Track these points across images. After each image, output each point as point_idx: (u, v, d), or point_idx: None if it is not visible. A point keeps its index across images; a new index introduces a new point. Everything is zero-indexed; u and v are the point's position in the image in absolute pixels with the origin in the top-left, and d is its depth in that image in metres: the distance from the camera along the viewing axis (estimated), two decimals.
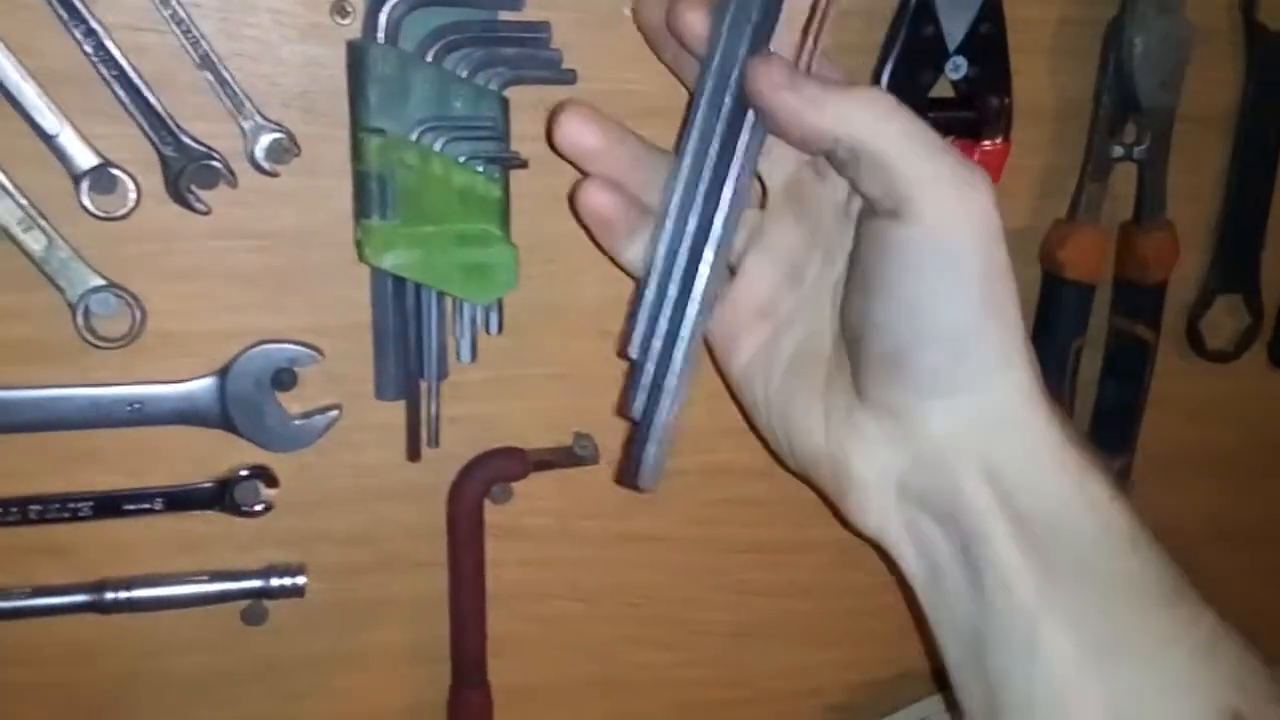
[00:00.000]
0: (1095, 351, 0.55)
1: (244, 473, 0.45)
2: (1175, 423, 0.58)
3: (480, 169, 0.42)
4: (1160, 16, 0.48)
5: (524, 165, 0.43)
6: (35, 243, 0.40)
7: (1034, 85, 0.50)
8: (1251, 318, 0.57)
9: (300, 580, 0.47)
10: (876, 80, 0.47)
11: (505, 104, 0.42)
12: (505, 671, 0.50)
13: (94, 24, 0.39)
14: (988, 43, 0.47)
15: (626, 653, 0.53)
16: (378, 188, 0.41)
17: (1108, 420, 0.56)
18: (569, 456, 0.49)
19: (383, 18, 0.40)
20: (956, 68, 0.47)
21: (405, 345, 0.44)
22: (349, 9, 0.41)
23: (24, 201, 0.40)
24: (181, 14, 0.39)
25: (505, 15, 0.42)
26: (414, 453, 0.46)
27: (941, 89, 0.48)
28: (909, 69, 0.46)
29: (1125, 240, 0.53)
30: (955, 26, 0.46)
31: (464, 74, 0.42)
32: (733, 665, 0.55)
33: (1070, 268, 0.51)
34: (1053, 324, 0.52)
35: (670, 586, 0.52)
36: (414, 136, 0.41)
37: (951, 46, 0.46)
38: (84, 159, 0.40)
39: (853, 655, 0.56)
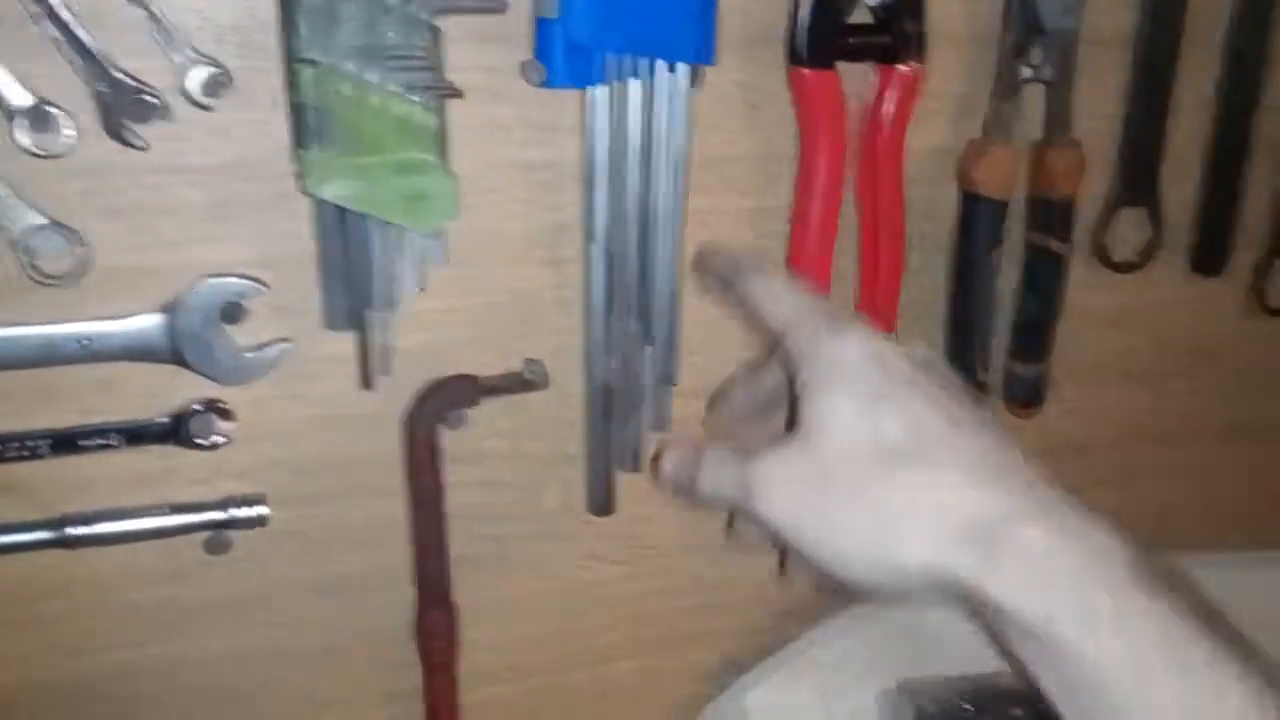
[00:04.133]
0: (1013, 268, 0.55)
1: (197, 407, 0.44)
2: (1090, 332, 0.59)
3: (416, 98, 0.41)
4: None
5: (459, 94, 0.42)
6: None
7: (948, 12, 0.50)
8: (1154, 229, 0.57)
9: (262, 510, 0.46)
10: (796, 8, 0.46)
11: (436, 32, 0.41)
12: (468, 590, 0.49)
13: None
14: None
15: (581, 569, 0.53)
16: (315, 119, 0.40)
17: (1026, 331, 0.56)
18: (520, 382, 0.48)
19: None
20: None
21: (352, 276, 0.43)
22: None
23: None
24: None
25: None
26: (366, 381, 0.45)
27: (861, 16, 0.47)
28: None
29: (1036, 158, 0.53)
30: None
31: (397, 3, 0.40)
32: (683, 576, 0.55)
33: (984, 185, 0.51)
34: (971, 238, 0.52)
35: (620, 504, 0.52)
36: (347, 67, 0.40)
37: None
38: (18, 98, 0.38)
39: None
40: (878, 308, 0.52)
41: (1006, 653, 0.35)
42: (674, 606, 0.55)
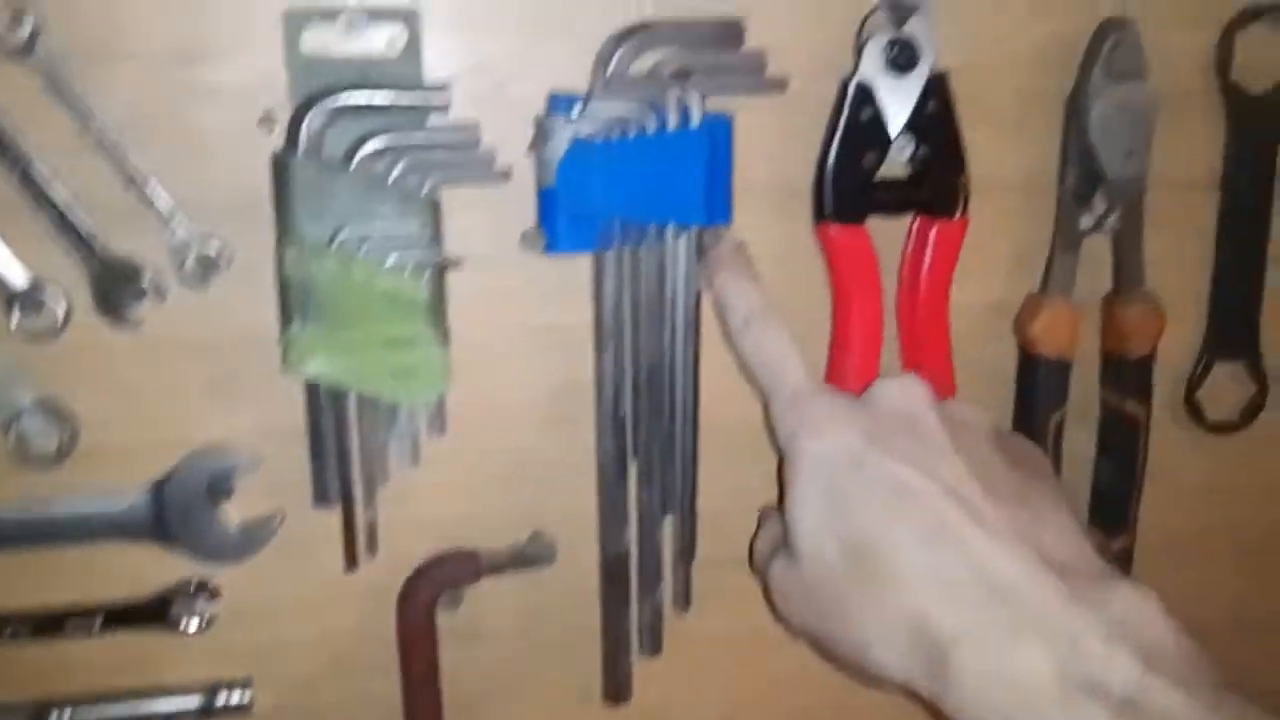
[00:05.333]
0: (1090, 429, 0.49)
1: (184, 587, 0.42)
2: (1184, 501, 0.51)
3: (408, 271, 0.39)
4: (1119, 85, 0.43)
5: (455, 265, 0.40)
6: None
7: (996, 160, 0.45)
8: (1256, 385, 0.50)
9: (247, 696, 0.43)
10: (822, 164, 0.43)
11: (435, 206, 0.39)
12: None
13: (20, 150, 0.37)
14: (935, 120, 0.42)
15: None
16: (299, 295, 0.38)
17: (1105, 499, 0.49)
18: (522, 558, 0.44)
19: (304, 129, 0.38)
20: (902, 148, 0.43)
21: (341, 450, 0.41)
22: (275, 120, 0.39)
23: None
24: (106, 136, 0.37)
25: (433, 120, 0.39)
26: (351, 561, 0.42)
27: (896, 169, 0.43)
28: (851, 153, 0.42)
29: (1107, 313, 0.47)
30: (898, 107, 0.42)
31: (395, 178, 0.39)
32: None
33: (1043, 343, 0.46)
34: (1030, 399, 0.47)
35: (637, 690, 0.47)
36: (335, 244, 0.38)
37: (895, 128, 0.42)
38: (17, 278, 0.38)
39: None
40: None
41: None
42: None
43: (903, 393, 0.37)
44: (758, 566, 0.41)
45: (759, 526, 0.43)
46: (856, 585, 0.35)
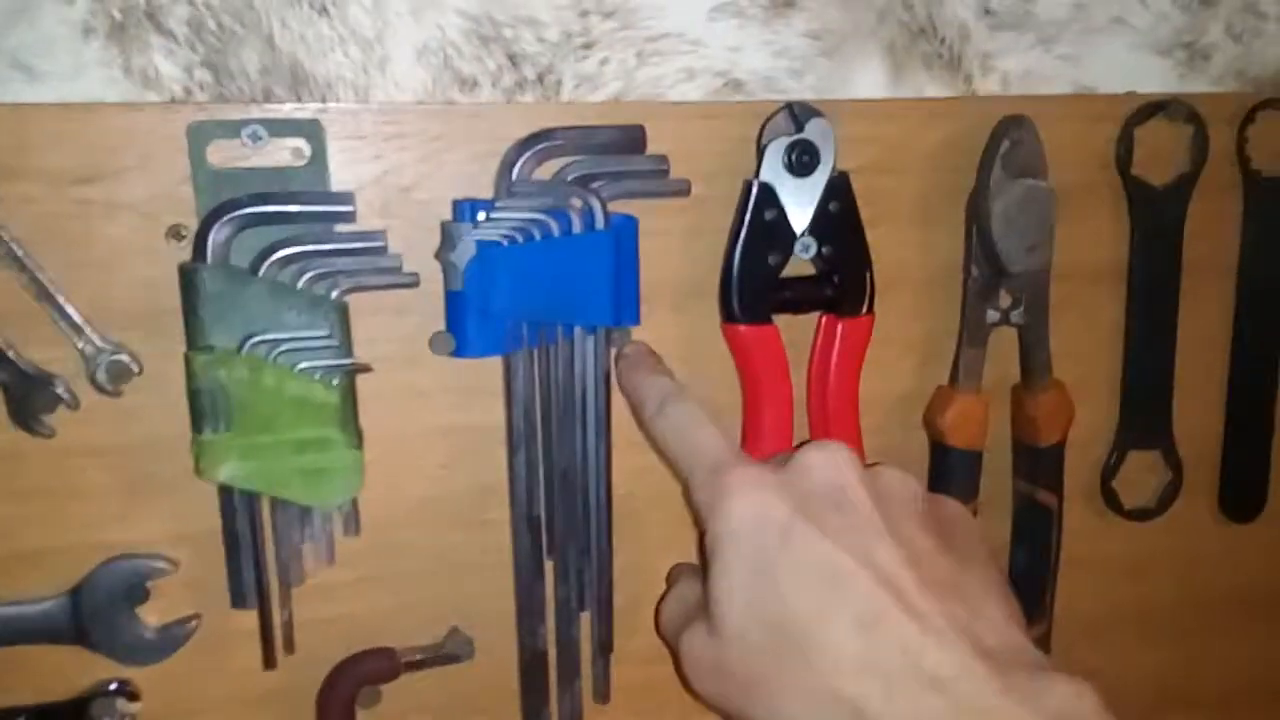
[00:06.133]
0: (1004, 517, 0.49)
1: (103, 688, 0.42)
2: (1103, 584, 0.51)
3: (318, 376, 0.40)
4: (1018, 182, 0.44)
5: (365, 369, 0.41)
6: None
7: (901, 256, 0.46)
8: (1171, 473, 0.51)
9: None
10: (728, 265, 0.43)
11: (343, 310, 0.40)
12: None
13: None
14: (838, 220, 0.43)
15: None
16: (209, 402, 0.39)
17: (1021, 586, 0.49)
18: (441, 655, 0.44)
19: (211, 239, 0.38)
20: (806, 248, 0.43)
21: (256, 552, 0.41)
22: (184, 233, 0.39)
23: None
24: (18, 250, 0.38)
25: (340, 227, 0.40)
26: (269, 660, 0.42)
27: (800, 268, 0.44)
28: (756, 252, 0.43)
29: (1016, 403, 0.48)
30: (801, 208, 0.43)
31: (304, 284, 0.40)
32: None
33: (953, 435, 0.46)
34: (943, 489, 0.46)
35: None
36: (245, 350, 0.39)
37: (799, 227, 0.43)
38: None
39: None
40: None
41: None
42: None
43: (829, 461, 0.36)
44: (666, 631, 0.40)
45: (669, 586, 0.41)
46: (782, 665, 0.34)
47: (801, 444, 0.37)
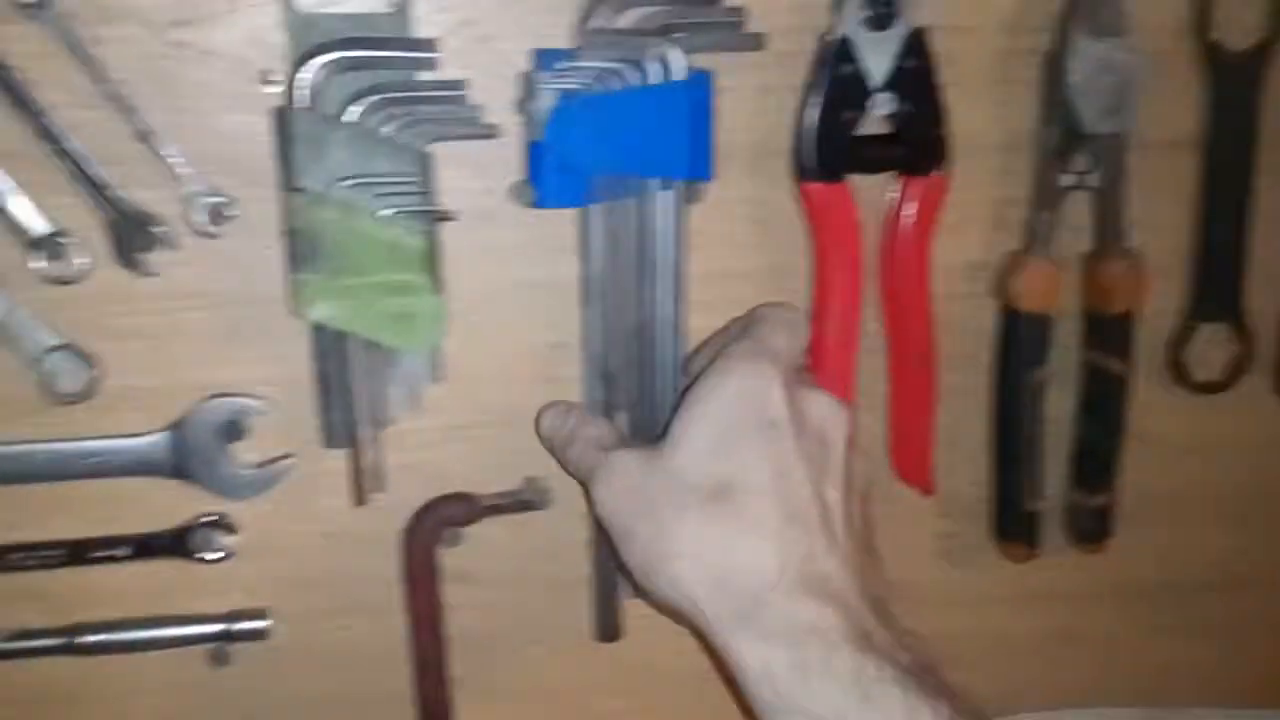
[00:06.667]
0: (1071, 388, 0.50)
1: (201, 521, 0.44)
2: (1167, 461, 0.51)
3: (404, 222, 0.41)
4: (1098, 43, 0.44)
5: (449, 218, 0.41)
6: None
7: (976, 117, 0.46)
8: (1240, 346, 0.50)
9: (263, 624, 0.45)
10: (802, 121, 0.43)
11: (427, 159, 0.41)
12: (468, 715, 0.47)
13: (37, 104, 0.39)
14: (915, 77, 0.43)
15: (587, 698, 0.49)
16: (305, 243, 0.40)
17: (1087, 458, 0.50)
18: (519, 502, 0.46)
19: (302, 83, 0.39)
20: (882, 105, 0.43)
21: (347, 395, 0.43)
22: (274, 77, 0.40)
23: None
24: (117, 90, 0.39)
25: (423, 75, 0.41)
26: (359, 498, 0.44)
27: (876, 125, 0.44)
28: (831, 108, 0.43)
29: (1088, 271, 0.48)
30: (878, 64, 0.43)
31: (389, 132, 0.40)
32: (696, 707, 0.50)
33: (1024, 299, 0.46)
34: (1012, 357, 0.47)
35: (628, 630, 0.48)
36: (338, 193, 0.40)
37: (875, 84, 0.43)
38: (36, 227, 0.40)
39: None
40: (909, 430, 0.47)
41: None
42: None
43: (830, 410, 0.39)
44: (592, 448, 0.41)
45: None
46: (705, 506, 0.36)
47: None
